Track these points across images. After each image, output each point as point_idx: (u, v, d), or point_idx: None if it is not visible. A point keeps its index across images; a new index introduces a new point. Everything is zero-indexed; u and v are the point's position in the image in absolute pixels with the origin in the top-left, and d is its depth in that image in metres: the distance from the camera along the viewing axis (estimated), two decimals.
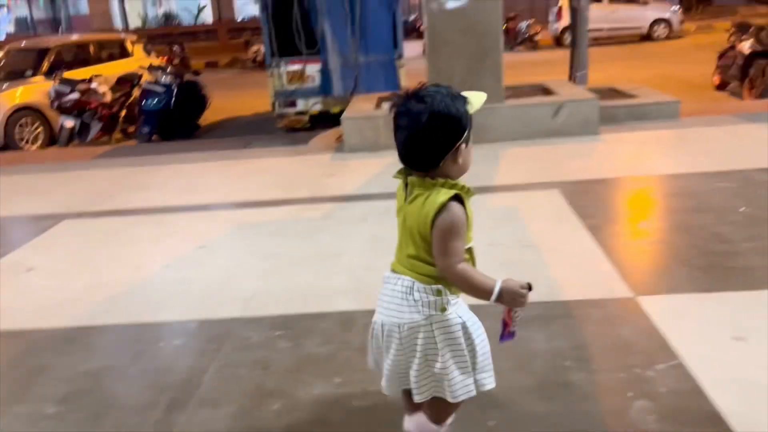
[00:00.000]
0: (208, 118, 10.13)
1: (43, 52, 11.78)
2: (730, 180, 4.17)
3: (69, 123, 9.73)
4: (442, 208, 1.59)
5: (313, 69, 8.60)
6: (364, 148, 5.85)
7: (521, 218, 3.83)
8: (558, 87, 6.52)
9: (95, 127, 9.91)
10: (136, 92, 10.01)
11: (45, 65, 11.11)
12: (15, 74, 11.02)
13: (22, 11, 32.83)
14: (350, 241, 3.68)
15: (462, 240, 1.62)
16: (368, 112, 6.09)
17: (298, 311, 2.86)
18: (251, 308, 2.94)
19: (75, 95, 9.79)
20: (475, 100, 1.65)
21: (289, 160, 5.81)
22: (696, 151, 4.95)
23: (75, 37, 12.97)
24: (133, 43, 12.82)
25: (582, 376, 2.22)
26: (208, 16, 29.40)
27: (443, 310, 1.66)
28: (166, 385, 2.36)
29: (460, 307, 1.70)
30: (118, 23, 29.40)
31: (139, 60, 11.99)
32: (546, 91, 6.44)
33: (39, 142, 9.97)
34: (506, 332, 1.72)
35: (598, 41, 18.37)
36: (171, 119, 9.37)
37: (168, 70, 10.29)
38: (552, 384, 2.20)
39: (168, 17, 30.64)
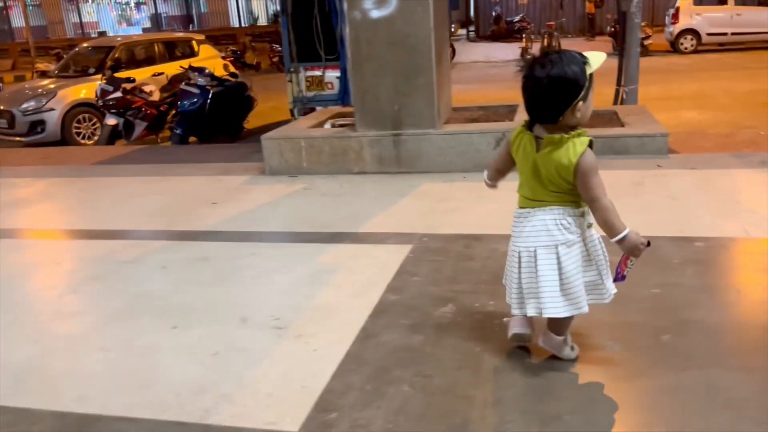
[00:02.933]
0: (263, 119, 9.80)
1: (108, 51, 12.33)
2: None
3: (111, 121, 9.85)
4: (581, 155, 1.95)
5: (332, 75, 8.11)
6: (285, 170, 5.29)
7: (324, 281, 3.14)
8: None
9: (139, 126, 9.99)
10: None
11: (108, 63, 11.60)
12: (81, 72, 11.57)
13: (162, 7, 35.37)
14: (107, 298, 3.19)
15: (600, 177, 1.98)
16: (297, 131, 5.51)
17: None
18: None
19: (118, 94, 9.94)
20: (594, 60, 1.95)
21: (204, 180, 5.37)
22: (638, 206, 3.88)
23: (141, 36, 13.51)
24: (199, 42, 13.02)
25: None
26: None
27: (590, 226, 2.10)
28: None
29: (590, 233, 2.12)
30: (234, 22, 30.67)
31: (204, 59, 12.19)
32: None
33: (96, 138, 10.26)
34: (619, 275, 2.08)
35: (723, 46, 16.32)
36: (206, 122, 9.22)
37: (207, 71, 10.16)
38: None
39: (278, 15, 31.34)
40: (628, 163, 4.84)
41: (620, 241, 1.96)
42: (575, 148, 1.95)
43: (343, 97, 7.96)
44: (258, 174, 5.39)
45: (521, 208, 2.16)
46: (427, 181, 4.83)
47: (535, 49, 18.87)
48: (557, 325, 2.22)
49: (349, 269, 3.29)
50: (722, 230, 3.41)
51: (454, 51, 23.10)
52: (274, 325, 2.74)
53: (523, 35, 20.54)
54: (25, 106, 10.45)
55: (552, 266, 2.07)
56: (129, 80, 10.13)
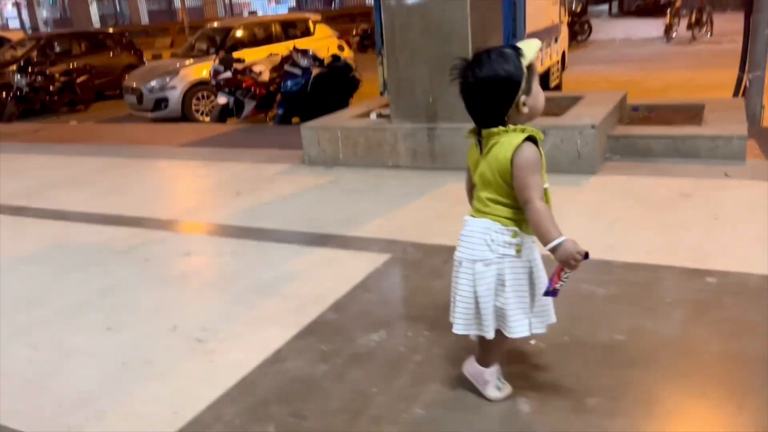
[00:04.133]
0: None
1: (227, 32, 12.85)
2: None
3: (222, 99, 10.28)
4: (517, 148, 1.77)
5: None
6: (323, 161, 5.16)
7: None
8: (591, 100, 4.97)
9: (249, 105, 10.35)
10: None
11: (227, 44, 12.12)
12: (203, 52, 12.16)
13: None
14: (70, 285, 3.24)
15: (539, 175, 1.79)
16: (337, 120, 5.33)
17: None
18: None
19: (228, 74, 10.31)
20: (528, 49, 1.78)
21: (245, 168, 5.36)
22: (664, 224, 3.34)
23: (258, 18, 13.88)
24: (315, 22, 13.20)
25: None
26: None
27: (518, 251, 1.85)
28: None
29: (532, 251, 1.88)
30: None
31: (319, 39, 12.38)
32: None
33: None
34: (550, 289, 1.79)
35: None
36: (307, 102, 9.31)
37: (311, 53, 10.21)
38: None
39: None
40: (690, 169, 4.20)
41: (553, 250, 1.73)
42: (511, 141, 1.78)
43: None
44: (298, 163, 5.30)
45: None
46: (454, 179, 4.47)
47: (682, 26, 17.27)
48: (483, 351, 2.03)
49: (309, 278, 3.10)
50: (753, 265, 2.82)
51: (590, 28, 21.78)
52: (198, 336, 2.63)
53: (668, 10, 18.82)
54: (150, 84, 11.19)
55: (468, 282, 1.90)
56: (239, 61, 10.43)
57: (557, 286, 1.77)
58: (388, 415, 2.03)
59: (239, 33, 12.62)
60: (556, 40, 10.51)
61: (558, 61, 10.66)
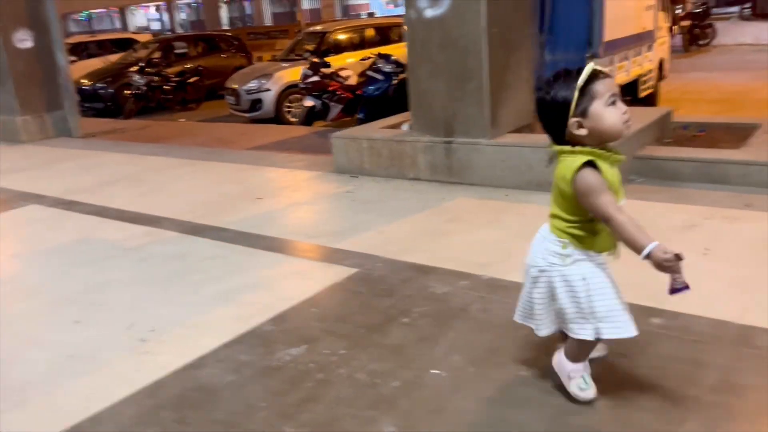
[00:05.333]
0: None
1: (323, 35, 13.27)
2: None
3: (308, 102, 10.69)
4: (577, 173, 1.83)
5: None
6: (350, 170, 5.26)
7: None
8: None
9: (335, 108, 10.70)
10: None
11: (322, 47, 12.53)
12: (299, 56, 12.63)
13: None
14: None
15: (605, 194, 1.82)
16: (365, 131, 5.40)
17: None
18: None
19: (315, 78, 10.70)
20: (584, 73, 1.84)
21: (279, 173, 5.58)
22: None
23: (353, 22, 14.13)
24: None
25: None
26: None
27: (566, 261, 1.94)
28: None
29: (583, 265, 1.94)
30: None
31: None
32: None
33: None
34: (671, 288, 1.77)
35: None
36: (389, 107, 9.49)
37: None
38: None
39: None
40: (713, 197, 3.92)
41: (647, 259, 1.76)
42: (570, 164, 1.85)
43: None
44: (328, 171, 5.44)
45: None
46: (465, 195, 4.45)
47: None
48: (569, 345, 2.08)
49: (272, 287, 3.22)
50: (715, 309, 2.61)
51: (714, 32, 20.40)
52: (144, 337, 2.81)
53: None
54: (247, 85, 11.80)
55: (527, 283, 2.07)
56: (326, 65, 10.75)
57: (676, 286, 1.76)
58: (260, 431, 2.10)
59: (335, 37, 12.98)
60: (650, 48, 9.98)
61: (651, 70, 10.11)
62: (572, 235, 1.93)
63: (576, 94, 1.83)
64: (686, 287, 1.75)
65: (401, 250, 3.55)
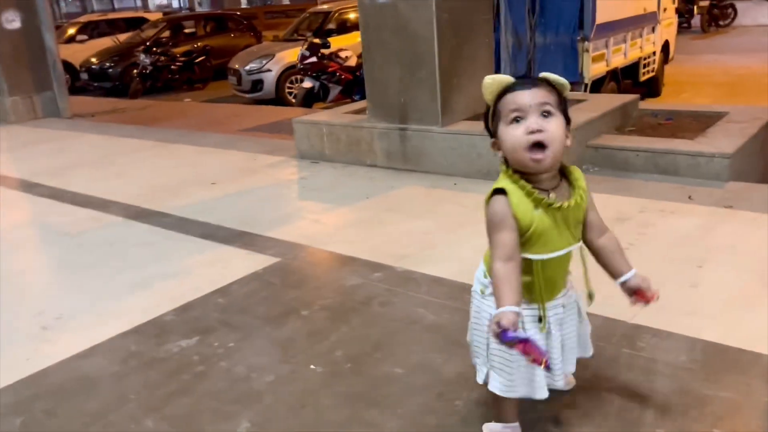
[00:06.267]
0: None
1: (326, 16, 13.13)
2: None
3: (307, 84, 10.66)
4: (488, 200, 1.59)
5: None
6: (311, 155, 5.23)
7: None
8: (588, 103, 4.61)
9: (334, 90, 10.67)
10: None
11: (323, 28, 12.43)
12: (301, 36, 12.53)
13: None
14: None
15: (500, 232, 1.55)
16: (327, 116, 5.35)
17: None
18: None
19: (313, 59, 10.63)
20: (490, 86, 1.60)
21: (243, 157, 5.54)
22: None
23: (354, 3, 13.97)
24: None
25: None
26: None
27: (482, 292, 1.70)
28: None
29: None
30: None
31: None
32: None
33: None
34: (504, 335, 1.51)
35: None
36: None
37: None
38: None
39: None
40: (657, 189, 3.82)
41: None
42: (491, 187, 1.60)
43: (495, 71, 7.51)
44: (291, 156, 5.41)
45: None
46: (414, 183, 4.40)
47: None
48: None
49: (189, 276, 3.21)
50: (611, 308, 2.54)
51: (735, 12, 19.90)
52: (45, 324, 2.83)
53: None
54: (248, 66, 11.78)
55: None
56: (325, 45, 10.66)
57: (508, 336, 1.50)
58: (121, 424, 2.10)
59: (339, 16, 12.85)
60: (652, 30, 9.74)
61: (653, 53, 9.88)
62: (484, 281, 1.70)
63: (489, 111, 1.61)
64: (519, 339, 1.49)
65: (329, 240, 3.53)
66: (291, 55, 11.69)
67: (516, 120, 1.53)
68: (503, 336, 1.48)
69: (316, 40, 10.67)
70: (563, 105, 1.59)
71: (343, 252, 3.34)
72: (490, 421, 1.84)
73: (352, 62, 10.75)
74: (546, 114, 1.53)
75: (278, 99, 11.43)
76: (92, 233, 3.95)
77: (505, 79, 1.57)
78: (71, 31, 17.23)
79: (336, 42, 11.03)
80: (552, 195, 1.58)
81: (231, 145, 6.07)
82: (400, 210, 3.92)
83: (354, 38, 11.22)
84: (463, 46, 4.49)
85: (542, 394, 1.67)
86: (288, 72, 11.66)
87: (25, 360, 2.54)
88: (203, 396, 2.21)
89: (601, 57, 7.97)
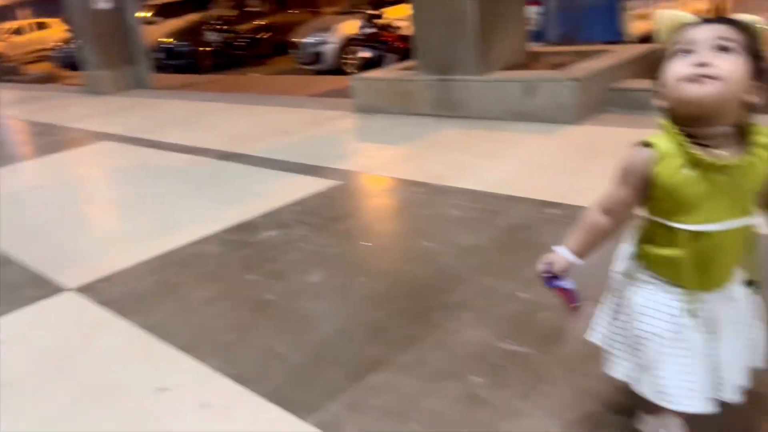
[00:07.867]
0: None
1: None
2: None
3: (364, 53, 11.38)
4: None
5: (533, 11, 8.32)
6: (368, 109, 5.98)
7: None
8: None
9: (389, 59, 11.38)
10: None
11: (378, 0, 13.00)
12: (361, 9, 13.12)
13: None
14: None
15: (618, 189, 1.37)
16: (383, 72, 6.07)
17: None
18: None
19: (370, 29, 11.33)
20: (664, 22, 1.31)
21: (310, 114, 6.36)
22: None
23: None
24: None
25: None
26: None
27: (630, 276, 1.42)
28: None
29: (654, 295, 1.37)
30: None
31: None
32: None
33: None
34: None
35: None
36: None
37: None
38: None
39: None
40: None
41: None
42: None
43: (541, 33, 8.11)
44: (350, 111, 6.19)
45: None
46: (456, 126, 5.08)
47: None
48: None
49: (272, 194, 3.98)
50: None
51: None
52: (169, 225, 3.70)
53: None
54: (309, 39, 12.53)
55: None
56: (378, 17, 11.32)
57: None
58: (229, 277, 2.92)
59: None
60: None
61: None
62: (639, 241, 1.42)
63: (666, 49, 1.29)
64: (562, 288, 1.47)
65: (381, 169, 4.28)
66: (349, 27, 12.29)
67: (682, 52, 1.24)
68: (549, 281, 1.47)
69: (372, 11, 11.32)
70: (755, 50, 1.23)
71: (392, 175, 4.08)
72: None
73: (407, 32, 11.37)
74: (723, 49, 1.20)
75: (338, 70, 12.08)
76: (193, 170, 4.84)
77: (685, 15, 1.30)
78: (146, 13, 18.40)
79: (392, 12, 11.63)
80: (718, 153, 1.25)
81: (298, 105, 6.89)
82: (442, 147, 4.63)
83: (409, 10, 11.83)
84: (498, 4, 5.13)
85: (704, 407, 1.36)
86: (347, 44, 12.28)
87: (157, 245, 3.40)
88: (287, 262, 3.00)
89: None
